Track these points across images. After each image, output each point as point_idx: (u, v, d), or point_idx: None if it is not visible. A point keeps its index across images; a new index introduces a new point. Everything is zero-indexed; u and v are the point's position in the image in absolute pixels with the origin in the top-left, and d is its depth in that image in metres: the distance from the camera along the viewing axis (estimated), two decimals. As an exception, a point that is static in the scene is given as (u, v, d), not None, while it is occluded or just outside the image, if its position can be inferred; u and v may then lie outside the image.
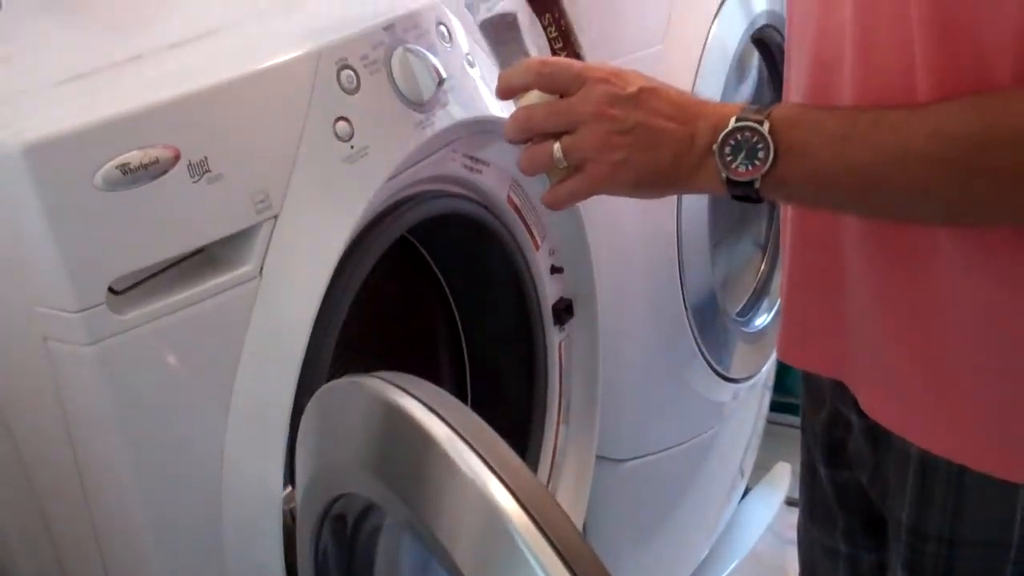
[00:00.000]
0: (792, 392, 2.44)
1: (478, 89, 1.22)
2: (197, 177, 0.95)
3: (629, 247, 1.66)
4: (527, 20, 1.01)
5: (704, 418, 1.95)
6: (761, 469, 2.36)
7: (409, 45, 1.12)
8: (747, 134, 0.92)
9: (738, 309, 2.01)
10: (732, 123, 0.93)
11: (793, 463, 2.21)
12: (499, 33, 1.02)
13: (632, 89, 0.96)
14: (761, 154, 0.91)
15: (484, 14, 1.02)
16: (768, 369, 2.10)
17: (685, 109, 0.97)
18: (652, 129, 0.95)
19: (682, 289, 1.74)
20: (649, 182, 0.97)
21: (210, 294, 0.98)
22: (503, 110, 1.26)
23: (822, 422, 1.18)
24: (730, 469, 2.15)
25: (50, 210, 0.89)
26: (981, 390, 0.97)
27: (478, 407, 1.45)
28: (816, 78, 1.02)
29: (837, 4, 0.97)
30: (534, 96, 0.99)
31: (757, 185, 0.92)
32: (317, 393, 0.91)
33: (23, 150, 0.87)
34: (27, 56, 1.18)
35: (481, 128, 1.23)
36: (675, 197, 1.64)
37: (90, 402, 0.95)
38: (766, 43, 1.91)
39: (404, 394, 0.78)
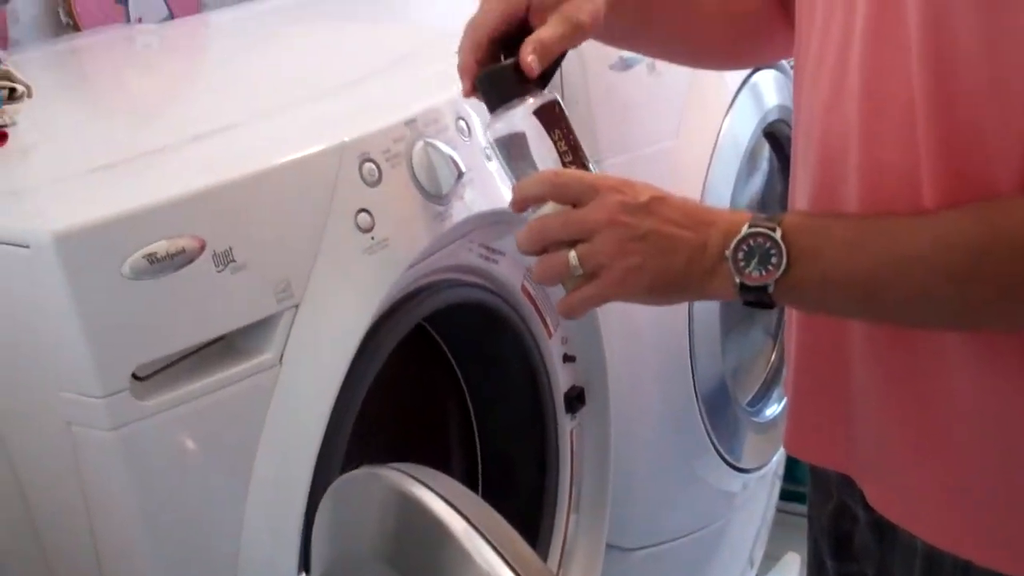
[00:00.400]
0: (802, 482, 2.42)
1: (495, 182, 1.24)
2: (221, 267, 0.97)
3: (641, 336, 1.67)
4: (536, 138, 1.03)
5: (714, 508, 1.95)
6: (770, 559, 2.34)
7: (429, 139, 1.15)
8: (760, 240, 0.94)
9: (748, 399, 2.01)
10: (745, 229, 0.94)
11: (802, 553, 2.19)
12: (511, 150, 1.04)
13: (643, 198, 0.98)
14: (774, 259, 0.93)
15: (496, 133, 1.05)
16: (778, 459, 2.11)
17: (696, 216, 0.98)
18: (665, 236, 0.97)
19: (693, 378, 1.74)
20: (662, 288, 0.99)
21: (231, 381, 1.00)
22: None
23: (829, 514, 1.18)
24: (740, 559, 2.14)
25: (78, 298, 0.91)
26: (987, 484, 0.98)
27: (489, 494, 1.46)
28: (822, 177, 1.04)
29: (841, 104, 0.99)
30: (547, 208, 1.01)
31: (771, 290, 0.94)
32: (335, 483, 0.92)
33: (54, 239, 0.90)
34: (54, 144, 1.21)
35: (497, 219, 1.26)
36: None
37: (111, 486, 0.97)
38: (777, 136, 1.94)
39: (422, 486, 0.79)
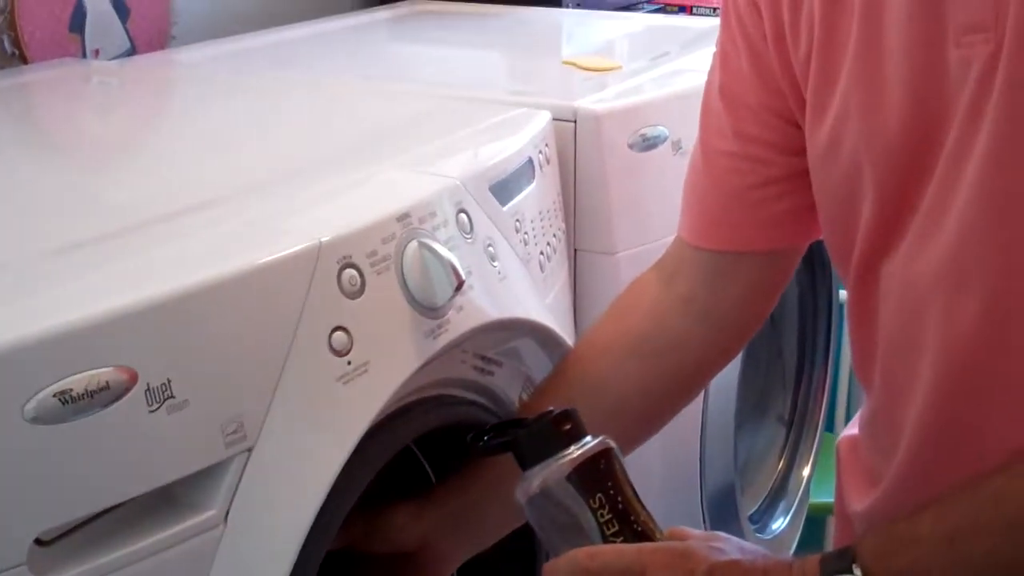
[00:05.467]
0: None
1: (499, 288, 1.05)
2: (156, 405, 0.77)
3: (650, 444, 1.49)
4: (573, 503, 0.88)
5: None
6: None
7: (424, 240, 0.95)
8: None
9: (754, 509, 1.88)
10: None
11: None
12: (544, 513, 0.90)
13: (701, 569, 0.82)
14: None
15: (527, 493, 0.90)
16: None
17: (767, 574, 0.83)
18: None
19: (701, 490, 1.63)
20: None
21: (161, 547, 0.79)
22: (528, 311, 1.10)
23: None
24: None
25: (-38, 448, 0.70)
26: None
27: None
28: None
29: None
30: None
31: None
32: None
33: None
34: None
35: (500, 327, 1.07)
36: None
37: None
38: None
39: None
